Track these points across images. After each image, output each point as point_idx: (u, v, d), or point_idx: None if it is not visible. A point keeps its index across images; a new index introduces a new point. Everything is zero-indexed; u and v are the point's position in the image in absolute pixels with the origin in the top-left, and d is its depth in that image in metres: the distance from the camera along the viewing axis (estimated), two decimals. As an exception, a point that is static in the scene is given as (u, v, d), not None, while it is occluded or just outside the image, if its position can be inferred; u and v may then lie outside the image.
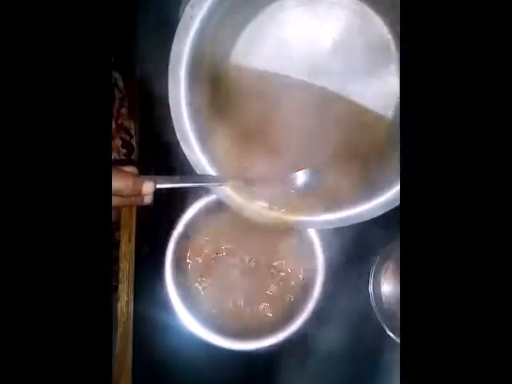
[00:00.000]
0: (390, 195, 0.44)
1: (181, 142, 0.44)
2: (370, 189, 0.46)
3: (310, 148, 0.48)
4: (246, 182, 0.44)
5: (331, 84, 0.49)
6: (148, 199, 0.38)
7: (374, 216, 0.45)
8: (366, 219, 0.46)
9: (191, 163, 0.45)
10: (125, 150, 0.65)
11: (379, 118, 0.50)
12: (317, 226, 0.50)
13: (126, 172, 0.37)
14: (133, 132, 0.65)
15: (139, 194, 0.37)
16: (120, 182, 0.35)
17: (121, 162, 0.62)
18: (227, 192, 0.45)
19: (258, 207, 0.46)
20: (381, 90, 0.49)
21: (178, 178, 0.40)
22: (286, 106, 0.48)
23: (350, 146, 0.48)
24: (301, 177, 0.46)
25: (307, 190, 0.46)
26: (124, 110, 0.66)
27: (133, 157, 0.65)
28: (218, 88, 0.48)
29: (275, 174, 0.46)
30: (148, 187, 0.37)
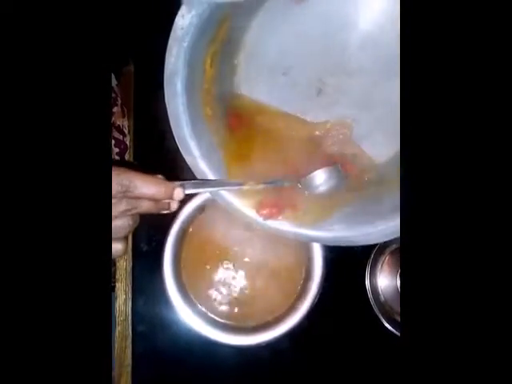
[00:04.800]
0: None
1: (182, 151, 0.44)
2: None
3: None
4: (263, 185, 0.44)
5: (356, 83, 0.43)
6: (175, 205, 0.39)
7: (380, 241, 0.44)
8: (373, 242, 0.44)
9: (192, 169, 0.44)
10: (117, 150, 0.64)
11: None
12: (312, 240, 0.49)
13: (158, 178, 0.37)
14: (126, 131, 0.65)
15: (168, 199, 0.38)
16: (154, 187, 0.35)
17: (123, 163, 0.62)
18: (229, 199, 0.45)
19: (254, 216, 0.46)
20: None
21: (202, 182, 0.41)
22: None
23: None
24: (320, 176, 0.45)
25: (327, 190, 0.44)
26: (116, 109, 0.65)
27: (127, 155, 0.65)
28: (224, 95, 0.45)
29: (289, 176, 0.44)
30: (179, 193, 0.37)
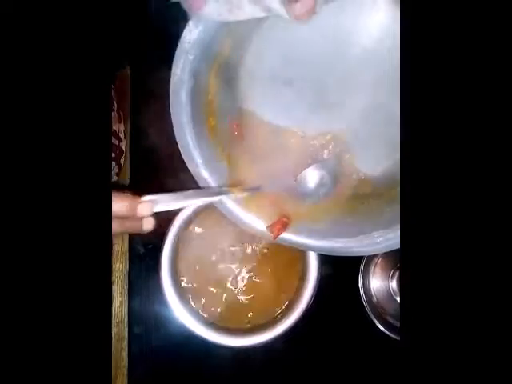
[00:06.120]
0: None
1: (185, 160, 0.44)
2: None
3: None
4: (251, 191, 0.45)
5: (358, 97, 0.44)
6: (148, 224, 0.35)
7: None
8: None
9: (195, 177, 0.45)
10: (113, 155, 0.64)
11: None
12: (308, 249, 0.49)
13: (121, 193, 0.33)
14: (122, 136, 0.65)
15: (135, 217, 0.34)
16: (116, 203, 0.32)
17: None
18: (229, 206, 0.46)
19: (253, 225, 0.47)
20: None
21: (180, 194, 0.37)
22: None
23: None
24: (311, 174, 0.46)
25: (318, 191, 0.46)
26: (113, 114, 0.65)
27: (121, 160, 0.65)
28: (227, 107, 0.46)
29: (281, 178, 0.46)
30: (143, 208, 0.33)
